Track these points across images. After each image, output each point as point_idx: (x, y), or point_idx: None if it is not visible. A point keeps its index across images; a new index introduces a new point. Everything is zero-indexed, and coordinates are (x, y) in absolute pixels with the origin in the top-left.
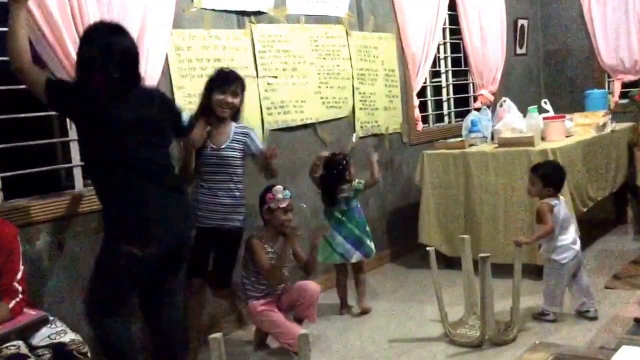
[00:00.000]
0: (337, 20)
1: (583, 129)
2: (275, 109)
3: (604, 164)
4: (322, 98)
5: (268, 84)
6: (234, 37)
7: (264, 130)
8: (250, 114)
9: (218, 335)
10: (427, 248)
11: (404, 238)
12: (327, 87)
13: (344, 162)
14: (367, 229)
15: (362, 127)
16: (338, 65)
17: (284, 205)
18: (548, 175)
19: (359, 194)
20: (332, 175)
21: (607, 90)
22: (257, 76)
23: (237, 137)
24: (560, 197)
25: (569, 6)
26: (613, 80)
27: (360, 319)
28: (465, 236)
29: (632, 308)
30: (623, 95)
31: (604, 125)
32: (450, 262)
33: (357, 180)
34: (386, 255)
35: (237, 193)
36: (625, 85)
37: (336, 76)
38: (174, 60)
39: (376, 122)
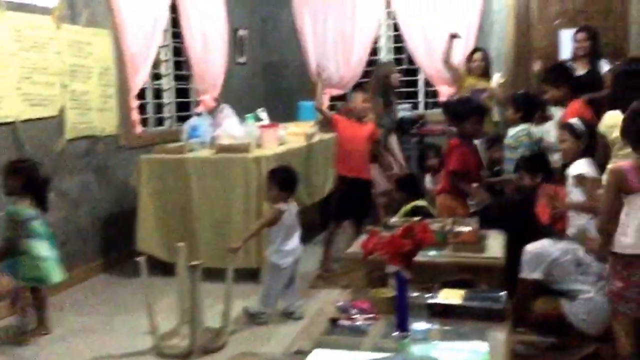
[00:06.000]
0: (44, 11)
1: (295, 138)
2: None
3: (312, 170)
4: (24, 94)
5: None
6: None
7: None
8: None
9: None
10: (137, 258)
11: (120, 246)
12: (30, 82)
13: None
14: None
15: (73, 128)
16: (45, 60)
17: None
18: (283, 180)
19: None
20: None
21: None
22: None
23: None
24: (293, 202)
25: (285, 20)
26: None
27: (58, 336)
28: (180, 244)
29: (330, 308)
30: (332, 107)
31: (312, 134)
32: (170, 270)
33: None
34: (98, 266)
35: None
36: (333, 98)
37: (42, 71)
38: None
39: (90, 123)
